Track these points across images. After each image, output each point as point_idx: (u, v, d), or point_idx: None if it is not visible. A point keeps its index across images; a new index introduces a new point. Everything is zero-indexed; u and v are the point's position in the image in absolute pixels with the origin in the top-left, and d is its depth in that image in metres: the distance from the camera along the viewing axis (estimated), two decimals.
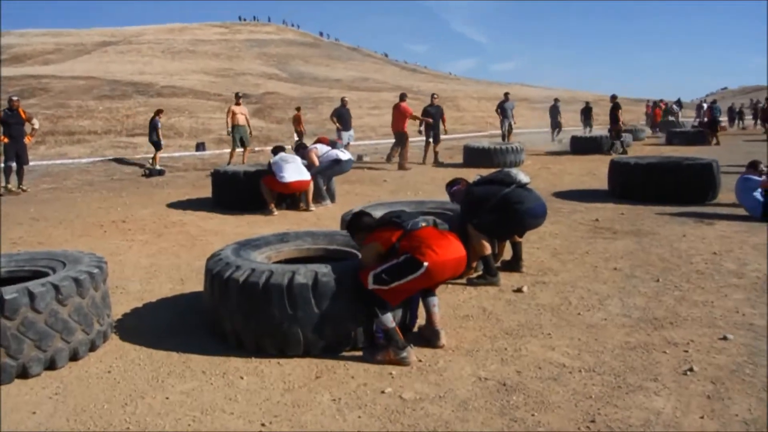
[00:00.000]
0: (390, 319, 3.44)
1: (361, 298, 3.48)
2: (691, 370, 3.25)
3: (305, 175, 8.50)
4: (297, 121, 18.23)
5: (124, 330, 4.06)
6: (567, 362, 3.41)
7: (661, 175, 8.65)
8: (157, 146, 15.26)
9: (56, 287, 3.38)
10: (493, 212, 4.84)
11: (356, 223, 3.89)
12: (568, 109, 26.95)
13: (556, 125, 22.25)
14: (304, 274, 3.48)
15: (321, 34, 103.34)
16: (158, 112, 15.69)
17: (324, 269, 3.53)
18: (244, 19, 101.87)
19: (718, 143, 19.67)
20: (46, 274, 3.76)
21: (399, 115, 14.43)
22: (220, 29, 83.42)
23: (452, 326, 3.99)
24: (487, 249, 4.90)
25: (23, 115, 11.00)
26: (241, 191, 8.68)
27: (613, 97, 17.98)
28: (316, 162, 8.97)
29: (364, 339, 3.60)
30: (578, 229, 7.01)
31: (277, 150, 8.84)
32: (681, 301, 4.40)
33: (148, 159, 15.69)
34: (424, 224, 3.65)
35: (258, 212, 8.41)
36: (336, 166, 9.08)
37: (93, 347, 3.64)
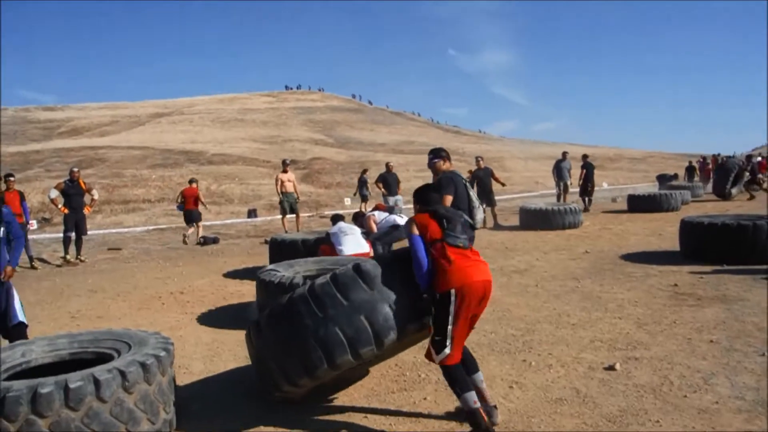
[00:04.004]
0: (473, 399, 3.22)
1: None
2: None
3: (364, 248, 8.23)
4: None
5: (189, 416, 3.79)
6: None
7: (738, 234, 8.13)
8: (365, 198, 18.08)
9: (122, 373, 3.14)
10: None
11: (421, 194, 3.74)
12: (617, 167, 26.28)
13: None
14: (323, 277, 3.52)
15: (354, 96, 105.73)
16: (364, 171, 18.74)
17: (342, 266, 3.57)
18: (291, 88, 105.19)
19: (752, 197, 18.77)
20: (110, 357, 3.56)
21: None
22: (268, 98, 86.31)
23: (546, 412, 3.61)
24: None
25: (83, 186, 11.19)
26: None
27: (585, 157, 17.64)
28: (374, 228, 8.79)
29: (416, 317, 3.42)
30: (658, 295, 6.54)
31: (336, 219, 8.64)
32: None
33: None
34: (461, 244, 3.41)
35: None
36: (395, 231, 8.84)
37: None
